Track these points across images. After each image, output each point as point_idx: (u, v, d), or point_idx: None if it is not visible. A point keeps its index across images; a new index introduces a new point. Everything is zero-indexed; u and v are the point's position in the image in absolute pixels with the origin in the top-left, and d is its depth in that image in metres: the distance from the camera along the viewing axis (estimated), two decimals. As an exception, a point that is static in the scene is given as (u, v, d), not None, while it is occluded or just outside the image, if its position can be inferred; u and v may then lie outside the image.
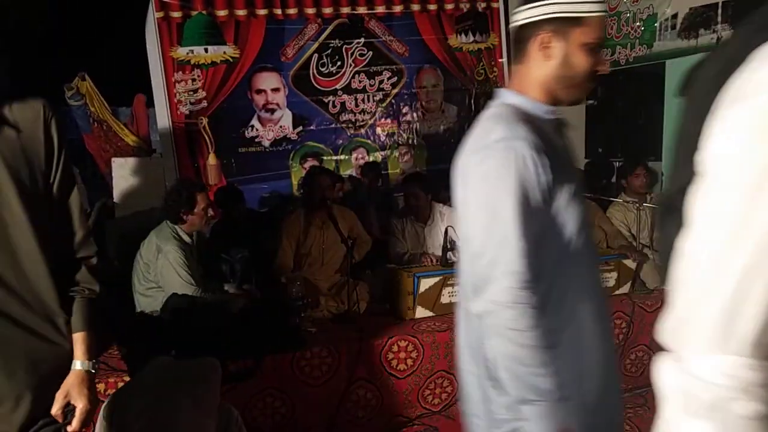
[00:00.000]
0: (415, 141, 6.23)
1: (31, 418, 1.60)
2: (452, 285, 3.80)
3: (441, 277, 3.77)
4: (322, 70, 5.88)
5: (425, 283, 3.72)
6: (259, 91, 5.71)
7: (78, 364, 1.69)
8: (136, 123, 5.89)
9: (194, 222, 3.66)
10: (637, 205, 4.43)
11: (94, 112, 5.59)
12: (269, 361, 3.21)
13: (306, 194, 4.20)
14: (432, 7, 6.15)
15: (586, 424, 1.45)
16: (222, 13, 5.52)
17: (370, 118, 6.08)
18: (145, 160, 5.56)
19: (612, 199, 4.99)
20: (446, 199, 4.63)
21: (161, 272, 3.45)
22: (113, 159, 5.48)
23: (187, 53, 5.46)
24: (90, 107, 5.58)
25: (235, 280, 4.19)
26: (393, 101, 6.13)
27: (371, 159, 6.07)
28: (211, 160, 5.59)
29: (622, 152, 5.94)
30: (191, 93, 5.49)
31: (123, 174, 5.45)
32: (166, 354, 2.62)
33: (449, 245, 3.88)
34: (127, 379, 2.68)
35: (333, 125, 5.96)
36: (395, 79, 6.10)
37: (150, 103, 5.66)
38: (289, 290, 3.69)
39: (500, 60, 6.45)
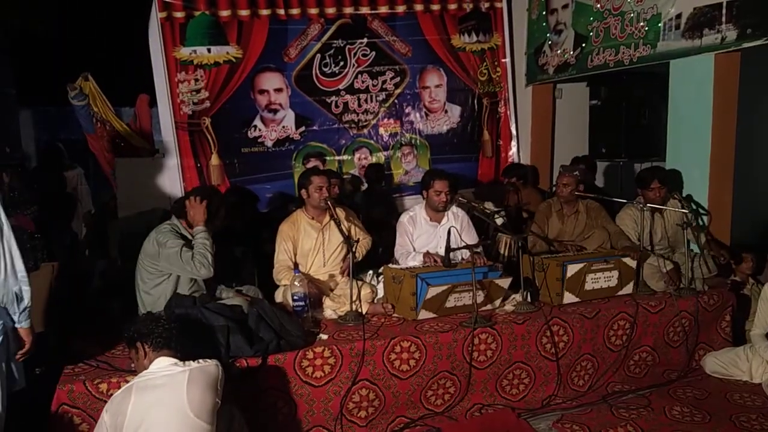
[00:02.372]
0: (418, 141, 6.22)
1: None
2: (459, 292, 3.79)
3: (449, 285, 3.75)
4: (325, 70, 5.87)
5: (432, 291, 3.71)
6: (262, 92, 5.71)
7: None
8: (139, 123, 5.89)
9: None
10: (650, 208, 4.44)
11: (98, 112, 5.59)
12: (272, 361, 3.21)
13: (301, 194, 4.18)
14: (435, 7, 6.14)
15: None
16: (225, 13, 5.52)
17: (373, 118, 6.07)
18: (147, 160, 5.56)
19: (618, 200, 4.98)
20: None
21: (169, 261, 3.45)
22: (116, 159, 5.49)
23: (190, 53, 5.46)
24: (93, 107, 5.58)
25: (237, 280, 4.19)
26: (396, 101, 6.12)
27: (374, 159, 6.06)
28: (214, 160, 5.59)
29: (626, 152, 5.93)
30: (194, 93, 5.49)
31: (126, 174, 5.46)
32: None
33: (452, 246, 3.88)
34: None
35: (336, 125, 5.96)
36: (398, 79, 6.09)
37: (153, 103, 5.66)
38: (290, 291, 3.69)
39: (503, 60, 6.43)
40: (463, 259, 4.07)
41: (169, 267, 3.49)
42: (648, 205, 4.50)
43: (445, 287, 3.74)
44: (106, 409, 2.43)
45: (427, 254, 4.15)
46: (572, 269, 4.03)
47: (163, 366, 2.49)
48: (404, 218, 4.41)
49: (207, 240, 3.50)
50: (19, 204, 5.59)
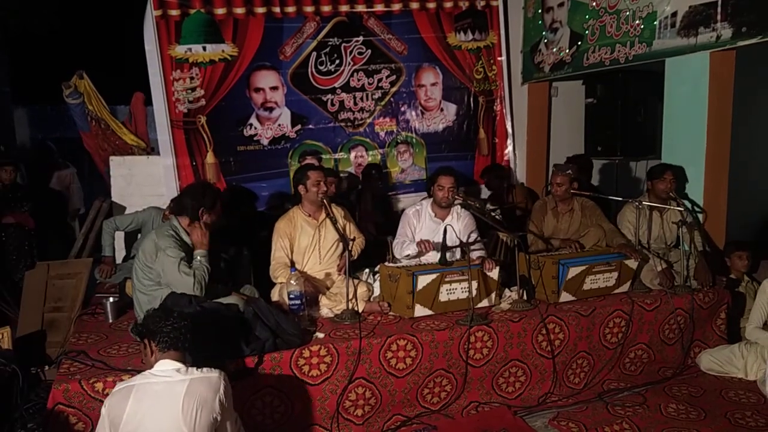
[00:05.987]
0: (414, 139, 6.21)
1: None
2: (449, 282, 3.80)
3: (438, 275, 3.77)
4: (321, 68, 5.86)
5: (423, 280, 3.72)
6: (258, 90, 5.69)
7: None
8: (135, 121, 5.87)
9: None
10: (643, 206, 4.44)
11: (93, 111, 5.57)
12: (268, 360, 3.20)
13: (297, 191, 4.17)
14: (431, 5, 6.13)
15: None
16: (220, 11, 5.50)
17: (369, 117, 6.06)
18: (143, 158, 5.54)
19: (614, 198, 4.99)
20: None
21: (164, 269, 3.43)
22: (111, 158, 5.47)
23: (186, 51, 5.44)
24: (88, 106, 5.56)
25: (234, 279, 4.18)
26: (392, 100, 6.11)
27: (370, 158, 6.05)
28: (210, 158, 5.57)
29: (621, 151, 5.93)
30: (189, 91, 5.47)
31: (121, 173, 5.44)
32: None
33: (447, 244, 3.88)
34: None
35: (331, 124, 5.95)
36: (394, 77, 6.08)
37: (148, 101, 5.64)
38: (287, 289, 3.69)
39: (499, 58, 6.43)
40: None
41: (161, 273, 3.45)
42: (645, 203, 4.51)
43: (434, 276, 3.75)
44: (105, 404, 2.40)
45: (421, 242, 4.15)
46: (573, 271, 4.03)
47: (165, 370, 2.43)
48: (410, 211, 4.44)
49: (207, 264, 3.49)
50: (17, 201, 5.59)
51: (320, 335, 3.46)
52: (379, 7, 5.96)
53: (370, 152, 6.08)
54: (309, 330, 3.52)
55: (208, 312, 3.25)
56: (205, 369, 2.48)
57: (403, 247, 4.23)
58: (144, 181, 5.44)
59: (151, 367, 2.48)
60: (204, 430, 2.36)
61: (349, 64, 5.93)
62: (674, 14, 4.75)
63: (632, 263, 4.24)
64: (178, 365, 2.46)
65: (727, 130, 4.80)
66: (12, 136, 10.33)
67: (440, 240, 3.98)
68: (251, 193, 5.54)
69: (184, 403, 2.34)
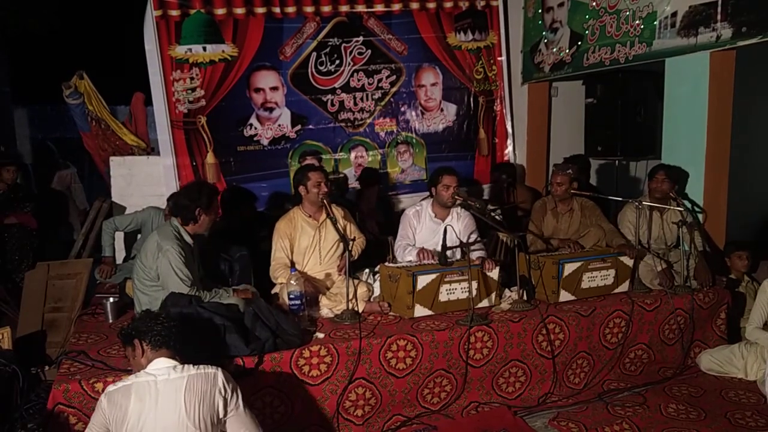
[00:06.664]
0: (414, 139, 6.21)
1: None
2: (449, 282, 3.81)
3: (438, 275, 3.77)
4: (321, 68, 5.86)
5: (423, 280, 3.72)
6: (258, 90, 5.69)
7: None
8: (135, 122, 5.87)
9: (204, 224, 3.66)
10: (642, 206, 4.45)
11: (93, 111, 5.57)
12: (268, 360, 3.20)
13: (298, 191, 4.18)
14: (431, 5, 6.12)
15: None
16: (220, 11, 5.50)
17: (369, 117, 6.05)
18: (143, 159, 5.55)
19: (614, 198, 4.99)
20: None
21: (161, 270, 3.44)
22: (111, 158, 5.47)
23: (186, 52, 5.44)
24: (88, 106, 5.56)
25: (233, 279, 4.19)
26: (392, 100, 6.11)
27: (370, 158, 6.05)
28: (210, 158, 5.57)
29: (621, 151, 5.94)
30: (189, 92, 5.47)
31: (121, 173, 5.44)
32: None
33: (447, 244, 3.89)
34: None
35: (332, 124, 5.94)
36: (394, 77, 6.08)
37: (148, 101, 5.64)
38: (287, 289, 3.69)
39: (499, 58, 6.43)
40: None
41: (158, 272, 3.46)
42: (645, 203, 4.51)
43: (434, 276, 3.75)
44: (106, 398, 2.39)
45: (422, 250, 4.15)
46: (569, 268, 4.04)
47: (162, 368, 2.44)
48: (410, 212, 4.43)
49: (223, 300, 3.50)
50: (19, 201, 5.60)
51: (320, 335, 3.47)
52: (379, 7, 5.96)
53: (370, 152, 6.08)
54: (309, 330, 3.52)
55: (208, 312, 3.26)
56: (201, 366, 2.49)
57: (405, 253, 4.23)
58: (144, 181, 5.44)
59: (144, 368, 2.48)
60: (207, 424, 2.37)
61: (349, 64, 5.93)
62: (674, 14, 4.75)
63: (628, 260, 4.25)
64: (173, 363, 2.47)
65: (727, 130, 4.80)
66: (12, 136, 10.34)
67: (440, 240, 3.98)
68: (251, 194, 5.54)
69: (186, 399, 2.36)
